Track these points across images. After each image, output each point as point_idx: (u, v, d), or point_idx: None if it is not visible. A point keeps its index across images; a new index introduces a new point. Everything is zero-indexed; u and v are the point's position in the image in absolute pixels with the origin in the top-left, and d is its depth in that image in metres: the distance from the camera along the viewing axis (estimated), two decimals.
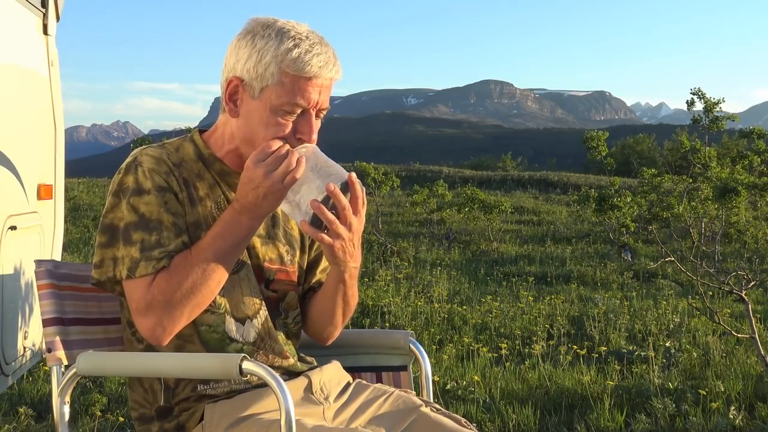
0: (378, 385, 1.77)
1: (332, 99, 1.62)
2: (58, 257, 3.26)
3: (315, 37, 1.52)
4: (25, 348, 2.80)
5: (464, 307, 7.74)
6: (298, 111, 1.52)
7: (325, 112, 1.57)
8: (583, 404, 4.11)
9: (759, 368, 4.65)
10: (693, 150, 18.54)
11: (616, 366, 4.85)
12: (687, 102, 19.04)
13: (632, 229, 16.00)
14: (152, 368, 1.52)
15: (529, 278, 10.67)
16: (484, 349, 5.42)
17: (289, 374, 1.64)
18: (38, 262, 1.67)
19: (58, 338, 1.61)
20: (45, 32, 3.13)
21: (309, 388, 1.64)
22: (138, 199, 1.51)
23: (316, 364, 1.74)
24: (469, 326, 6.73)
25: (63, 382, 1.54)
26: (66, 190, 3.94)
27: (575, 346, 5.45)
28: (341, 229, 1.50)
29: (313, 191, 1.48)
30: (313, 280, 1.79)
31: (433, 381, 4.01)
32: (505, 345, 5.52)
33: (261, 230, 1.65)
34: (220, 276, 1.50)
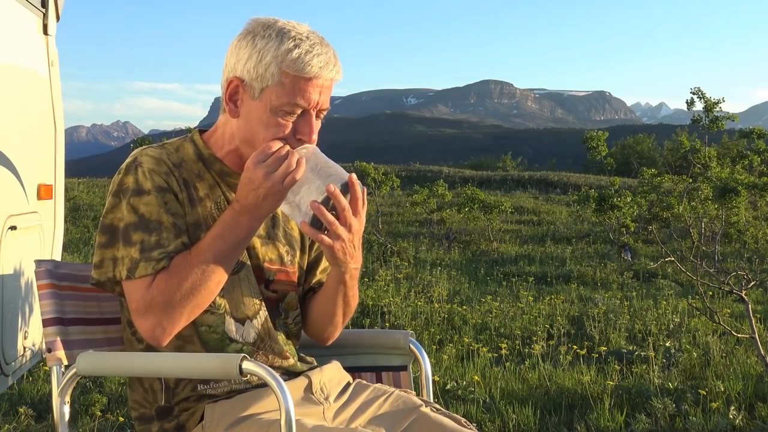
0: (378, 385, 1.77)
1: (332, 99, 1.62)
2: (58, 257, 3.26)
3: (315, 37, 1.51)
4: (25, 348, 2.80)
5: (464, 307, 7.74)
6: (299, 111, 1.52)
7: (325, 113, 1.57)
8: (583, 404, 4.11)
9: (759, 368, 4.66)
10: (693, 150, 18.55)
11: (616, 366, 4.85)
12: (687, 102, 19.06)
13: (632, 229, 16.00)
14: (152, 368, 1.52)
15: (529, 278, 10.67)
16: (484, 349, 5.42)
17: (289, 374, 1.64)
18: (38, 262, 1.68)
19: (58, 338, 1.61)
20: (45, 32, 3.13)
21: (309, 388, 1.64)
22: (138, 199, 1.51)
23: (316, 364, 1.74)
24: (469, 326, 6.73)
25: (63, 382, 1.54)
26: (66, 190, 3.94)
27: (575, 346, 5.45)
28: (341, 230, 1.50)
29: (313, 192, 1.48)
30: (314, 281, 1.79)
31: (433, 381, 4.01)
32: (505, 345, 5.52)
33: (261, 231, 1.65)
34: (219, 277, 1.50)
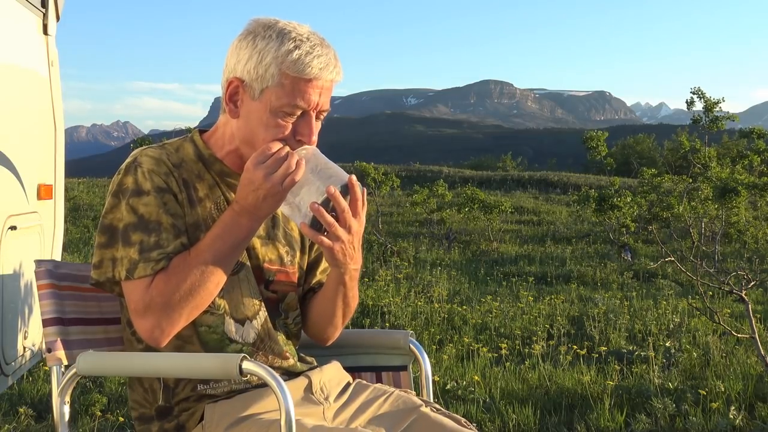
0: (378, 385, 1.77)
1: (332, 99, 1.62)
2: (58, 257, 3.26)
3: (316, 38, 1.51)
4: (25, 348, 2.81)
5: (464, 307, 7.74)
6: (298, 113, 1.52)
7: (325, 114, 1.57)
8: (583, 404, 4.11)
9: (759, 368, 4.66)
10: (693, 150, 18.54)
11: (616, 366, 4.85)
12: (687, 102, 19.06)
13: (632, 229, 16.00)
14: (152, 368, 1.52)
15: (529, 278, 10.67)
16: (484, 349, 5.42)
17: (289, 374, 1.64)
18: (38, 262, 1.68)
19: (58, 338, 1.61)
20: (45, 32, 3.13)
21: (309, 388, 1.64)
22: (137, 200, 1.51)
23: (316, 364, 1.74)
24: (469, 326, 6.73)
25: (63, 382, 1.54)
26: (66, 190, 3.94)
27: (575, 346, 5.45)
28: (340, 232, 1.50)
29: (313, 193, 1.48)
30: (313, 281, 1.79)
31: (433, 381, 4.01)
32: (505, 345, 5.52)
33: (261, 231, 1.65)
34: (218, 278, 1.50)
